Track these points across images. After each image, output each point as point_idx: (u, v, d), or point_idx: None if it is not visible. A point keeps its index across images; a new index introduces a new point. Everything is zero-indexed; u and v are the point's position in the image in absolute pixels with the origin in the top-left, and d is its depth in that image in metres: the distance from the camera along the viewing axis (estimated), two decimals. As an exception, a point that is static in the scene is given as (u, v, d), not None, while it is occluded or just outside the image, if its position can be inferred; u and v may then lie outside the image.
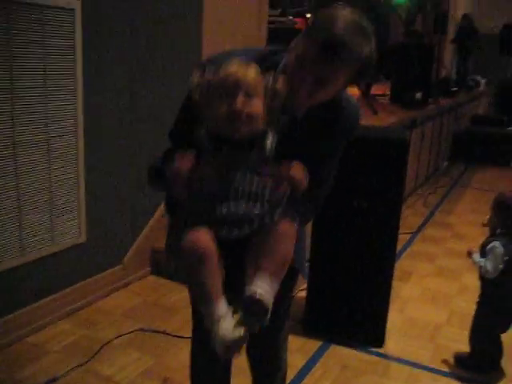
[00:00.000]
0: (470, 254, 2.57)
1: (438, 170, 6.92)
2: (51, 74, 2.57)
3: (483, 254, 2.51)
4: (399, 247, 4.25)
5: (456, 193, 6.19)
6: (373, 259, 2.72)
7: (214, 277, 1.30)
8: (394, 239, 2.72)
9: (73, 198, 2.82)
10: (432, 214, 5.29)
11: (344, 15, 1.31)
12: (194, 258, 1.28)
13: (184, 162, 1.33)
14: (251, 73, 1.30)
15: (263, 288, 1.28)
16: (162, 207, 3.47)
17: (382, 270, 2.73)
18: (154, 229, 3.42)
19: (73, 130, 2.74)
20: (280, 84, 1.32)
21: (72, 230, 2.87)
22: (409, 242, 4.38)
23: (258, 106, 1.29)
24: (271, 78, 1.32)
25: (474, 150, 7.61)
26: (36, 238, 2.68)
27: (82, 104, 2.75)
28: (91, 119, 2.85)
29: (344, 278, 2.79)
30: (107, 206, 3.10)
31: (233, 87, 1.27)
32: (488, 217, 2.60)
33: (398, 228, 2.73)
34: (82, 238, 2.94)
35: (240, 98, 1.27)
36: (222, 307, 1.29)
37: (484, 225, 2.65)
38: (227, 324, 1.26)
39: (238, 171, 1.30)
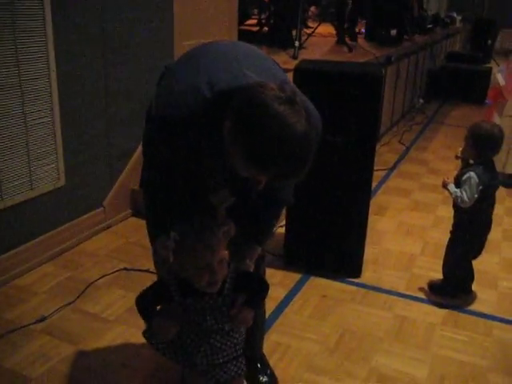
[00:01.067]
0: (444, 184, 2.63)
1: (414, 107, 6.96)
2: (20, 15, 2.51)
3: (458, 185, 2.58)
4: (375, 183, 4.34)
5: (431, 130, 6.27)
6: (349, 194, 2.78)
7: None
8: (369, 174, 2.78)
9: (49, 143, 2.81)
10: (407, 150, 5.37)
11: (295, 139, 1.24)
12: None
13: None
14: (221, 246, 1.47)
15: None
16: (139, 151, 3.48)
17: (358, 204, 2.80)
18: (133, 171, 3.43)
19: (45, 73, 2.70)
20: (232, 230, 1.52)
21: (50, 175, 2.87)
22: (385, 178, 4.47)
23: (225, 263, 1.51)
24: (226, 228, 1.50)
25: (449, 87, 7.65)
26: (15, 183, 2.68)
27: (52, 45, 2.70)
28: (63, 61, 2.80)
29: (321, 213, 2.86)
30: (85, 150, 3.09)
31: (207, 263, 1.45)
32: (461, 149, 2.66)
33: (373, 163, 2.78)
34: (61, 182, 2.95)
35: (219, 272, 1.47)
36: None
37: (457, 157, 2.71)
38: None
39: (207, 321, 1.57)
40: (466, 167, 2.61)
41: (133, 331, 2.37)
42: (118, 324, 2.43)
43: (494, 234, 3.50)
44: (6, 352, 2.22)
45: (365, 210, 2.82)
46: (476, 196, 2.52)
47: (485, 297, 2.81)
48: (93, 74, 3.04)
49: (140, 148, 3.44)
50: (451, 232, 2.75)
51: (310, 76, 2.60)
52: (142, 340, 2.32)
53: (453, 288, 2.79)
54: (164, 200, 1.62)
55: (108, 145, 3.25)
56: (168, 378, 2.12)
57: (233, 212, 1.81)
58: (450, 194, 2.59)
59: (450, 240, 2.76)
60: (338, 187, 2.77)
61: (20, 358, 2.20)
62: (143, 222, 3.38)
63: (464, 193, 2.52)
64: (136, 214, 3.51)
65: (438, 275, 2.87)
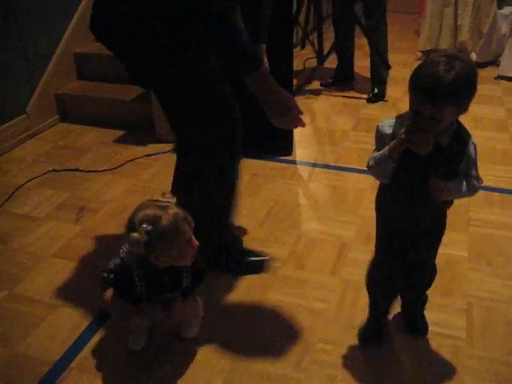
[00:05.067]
0: (440, 187, 1.39)
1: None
2: None
3: (448, 172, 1.39)
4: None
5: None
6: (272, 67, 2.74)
7: None
8: (288, 44, 2.73)
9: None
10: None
11: None
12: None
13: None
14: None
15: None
16: (59, 52, 3.33)
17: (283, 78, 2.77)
18: (54, 74, 3.31)
19: None
20: None
21: (-39, 81, 2.74)
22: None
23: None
24: None
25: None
26: None
27: None
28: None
29: (245, 93, 2.81)
30: (-4, 53, 2.94)
31: (189, 237, 1.47)
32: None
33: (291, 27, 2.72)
34: (-25, 89, 2.83)
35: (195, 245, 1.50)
36: None
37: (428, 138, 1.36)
38: None
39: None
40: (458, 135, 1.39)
41: (63, 226, 2.37)
42: (48, 220, 2.41)
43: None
44: None
45: (289, 82, 2.79)
46: None
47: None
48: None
49: (60, 50, 3.31)
50: None
51: None
52: (72, 233, 2.34)
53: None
54: None
55: (23, 47, 3.08)
56: (99, 260, 2.13)
57: None
58: (457, 195, 1.45)
59: None
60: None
61: None
62: (73, 127, 3.37)
63: (479, 174, 1.43)
64: (64, 119, 3.41)
65: (369, 147, 2.90)
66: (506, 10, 4.26)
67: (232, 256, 2.06)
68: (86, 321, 1.84)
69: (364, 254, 2.13)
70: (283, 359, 1.69)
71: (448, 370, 1.64)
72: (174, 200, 1.51)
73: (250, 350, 1.71)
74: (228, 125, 1.77)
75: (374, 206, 1.60)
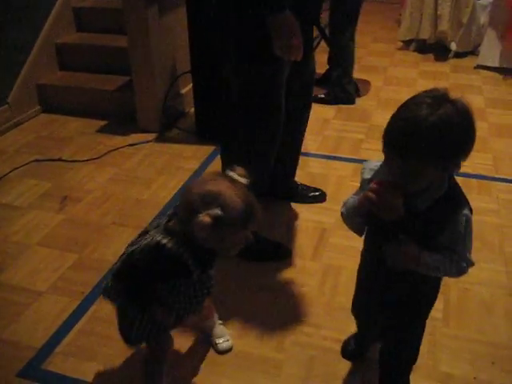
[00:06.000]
0: (410, 260, 1.13)
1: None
2: None
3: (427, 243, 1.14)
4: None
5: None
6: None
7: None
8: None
9: None
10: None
11: None
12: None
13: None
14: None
15: None
16: (39, 43, 3.32)
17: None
18: (35, 65, 3.30)
19: None
20: None
21: None
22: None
23: None
24: None
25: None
26: None
27: None
28: None
29: (227, 86, 2.84)
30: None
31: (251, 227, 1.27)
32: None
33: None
34: (-45, 79, 2.81)
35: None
36: None
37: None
38: None
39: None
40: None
41: (46, 215, 2.38)
42: (31, 210, 2.42)
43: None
44: None
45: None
46: None
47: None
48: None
49: (41, 40, 3.29)
50: None
51: None
52: (55, 222, 2.35)
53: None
54: None
55: (3, 37, 3.06)
56: (83, 248, 2.16)
57: None
58: (435, 273, 1.16)
59: None
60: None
61: None
62: (55, 117, 3.36)
63: (467, 252, 1.16)
64: (46, 109, 3.40)
65: (350, 135, 2.96)
66: (485, 0, 4.31)
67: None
68: (70, 307, 1.86)
69: (344, 239, 2.17)
70: (264, 341, 1.72)
71: (425, 349, 1.69)
72: (246, 181, 1.26)
73: (232, 331, 1.75)
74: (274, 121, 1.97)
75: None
